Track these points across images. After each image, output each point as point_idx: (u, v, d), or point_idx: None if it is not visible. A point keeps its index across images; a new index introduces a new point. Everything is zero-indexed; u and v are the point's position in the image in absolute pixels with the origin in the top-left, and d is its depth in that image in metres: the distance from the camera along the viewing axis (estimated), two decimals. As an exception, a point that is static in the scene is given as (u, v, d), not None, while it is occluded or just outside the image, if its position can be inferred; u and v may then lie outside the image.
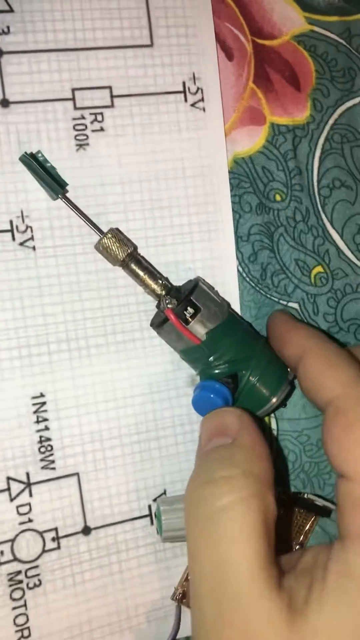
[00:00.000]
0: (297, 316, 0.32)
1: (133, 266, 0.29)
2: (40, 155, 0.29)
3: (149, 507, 0.31)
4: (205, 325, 0.28)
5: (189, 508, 0.23)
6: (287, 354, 0.28)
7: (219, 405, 0.27)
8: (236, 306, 0.32)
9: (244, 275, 0.32)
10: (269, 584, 0.21)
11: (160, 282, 0.29)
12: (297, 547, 0.31)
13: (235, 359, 0.28)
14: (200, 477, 0.23)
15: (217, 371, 0.28)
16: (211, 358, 0.28)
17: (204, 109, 0.31)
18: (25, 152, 0.28)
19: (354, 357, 0.26)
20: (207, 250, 0.32)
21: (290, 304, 0.32)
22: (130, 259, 0.28)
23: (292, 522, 0.31)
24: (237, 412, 0.25)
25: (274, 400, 0.29)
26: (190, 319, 0.27)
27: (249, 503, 0.22)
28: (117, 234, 0.28)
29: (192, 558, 0.23)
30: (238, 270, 0.32)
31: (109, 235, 0.28)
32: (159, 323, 0.29)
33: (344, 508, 0.23)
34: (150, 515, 0.31)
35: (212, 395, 0.27)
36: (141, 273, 0.29)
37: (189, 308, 0.28)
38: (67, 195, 0.29)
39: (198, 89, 0.31)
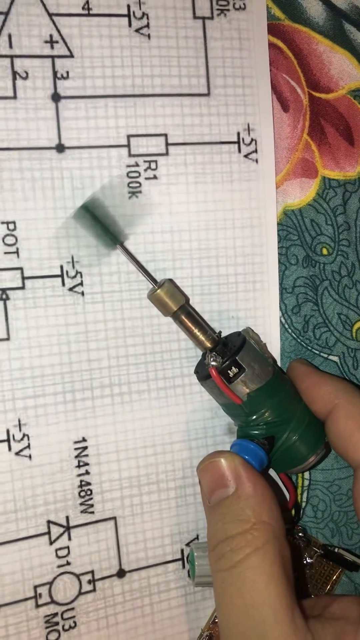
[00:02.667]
0: (337, 370, 0.33)
1: (183, 318, 0.29)
2: (96, 199, 0.29)
3: (182, 551, 0.31)
4: (247, 386, 0.28)
5: (213, 564, 0.25)
6: (315, 409, 0.29)
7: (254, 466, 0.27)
8: (277, 357, 0.32)
9: (287, 326, 0.32)
10: (293, 625, 0.23)
11: (208, 334, 0.29)
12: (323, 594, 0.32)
13: (275, 421, 0.28)
14: (217, 535, 0.25)
15: (255, 432, 0.28)
16: (251, 418, 0.28)
17: (256, 161, 0.31)
18: (84, 205, 0.28)
19: None
20: (251, 300, 0.32)
21: (330, 357, 0.33)
22: (182, 311, 0.29)
23: (319, 571, 0.32)
24: (231, 462, 0.26)
25: (311, 459, 0.29)
26: (233, 378, 0.28)
27: (264, 551, 0.24)
28: (170, 285, 0.29)
29: (220, 606, 0.25)
30: (281, 322, 0.32)
31: (164, 287, 0.28)
32: (203, 376, 0.29)
33: None
34: (182, 559, 0.31)
35: (246, 457, 0.27)
36: (191, 325, 0.29)
37: (233, 367, 0.28)
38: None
39: (252, 140, 0.31)
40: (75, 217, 0.28)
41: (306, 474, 0.33)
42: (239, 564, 0.24)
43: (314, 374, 0.30)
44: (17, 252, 0.28)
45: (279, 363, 0.32)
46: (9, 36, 0.28)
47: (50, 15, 0.28)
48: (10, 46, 0.28)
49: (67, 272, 0.29)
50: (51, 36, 0.28)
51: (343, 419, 0.27)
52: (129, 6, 0.29)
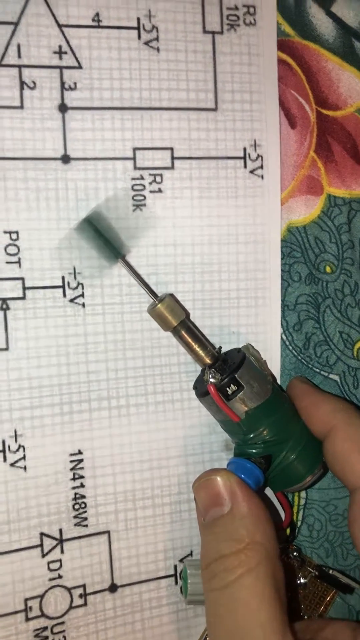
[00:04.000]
0: (338, 389, 0.33)
1: (183, 333, 0.29)
2: (99, 212, 0.29)
3: (175, 567, 0.31)
4: (246, 404, 0.28)
5: (205, 583, 0.25)
6: (313, 429, 0.29)
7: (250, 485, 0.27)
8: (277, 374, 0.32)
9: (287, 343, 0.32)
10: None
11: (208, 350, 0.29)
12: (316, 616, 0.32)
13: (273, 440, 0.28)
14: (210, 554, 0.25)
15: (252, 450, 0.28)
16: (248, 436, 0.28)
17: (262, 177, 0.31)
18: (86, 218, 0.28)
19: None
20: (252, 316, 0.32)
21: (331, 376, 0.32)
22: (182, 326, 0.29)
23: (313, 591, 0.32)
24: (226, 480, 0.26)
25: (308, 479, 0.29)
26: (231, 396, 0.28)
27: (257, 572, 0.23)
28: (171, 301, 0.28)
29: (211, 626, 0.25)
30: (282, 338, 0.32)
31: (164, 302, 0.28)
32: (201, 392, 0.29)
33: None
34: (175, 575, 0.31)
35: (242, 476, 0.27)
36: (191, 341, 0.29)
37: (231, 385, 0.28)
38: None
39: (258, 156, 0.31)
40: (78, 229, 0.28)
41: (302, 493, 0.33)
42: (231, 584, 0.24)
43: (313, 393, 0.30)
44: (19, 262, 0.28)
45: (278, 380, 0.32)
46: (18, 46, 0.28)
47: (59, 26, 0.28)
48: (19, 56, 0.28)
49: (68, 283, 0.29)
50: (60, 47, 0.28)
51: (340, 440, 0.27)
52: (138, 19, 0.29)
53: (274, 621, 0.23)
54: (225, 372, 0.28)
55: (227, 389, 0.27)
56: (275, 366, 0.32)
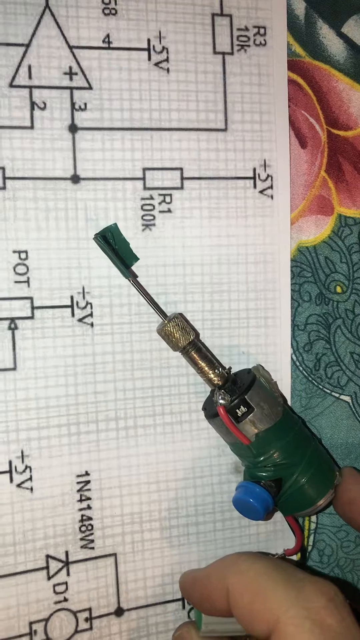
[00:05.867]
0: (349, 410, 0.32)
1: (193, 354, 0.28)
2: (114, 227, 0.29)
3: (182, 591, 0.30)
4: (256, 426, 0.27)
5: None
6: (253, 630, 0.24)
7: (258, 510, 0.27)
8: (287, 395, 0.31)
9: (298, 364, 0.32)
10: None
11: (218, 371, 0.28)
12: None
13: (283, 463, 0.27)
14: None
15: (262, 473, 0.28)
16: (258, 459, 0.28)
17: (272, 197, 0.31)
18: (98, 235, 0.28)
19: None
20: (262, 337, 0.31)
21: (342, 397, 0.32)
22: (192, 346, 0.28)
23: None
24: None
25: (320, 503, 0.28)
26: (241, 418, 0.27)
27: None
28: (181, 320, 0.28)
29: None
30: (292, 359, 0.31)
31: (173, 322, 0.28)
32: (211, 414, 0.29)
33: None
34: (182, 599, 0.30)
35: (251, 500, 0.27)
36: (200, 361, 0.28)
37: (241, 406, 0.27)
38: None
39: (268, 176, 0.31)
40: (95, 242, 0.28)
41: (313, 517, 0.32)
42: None
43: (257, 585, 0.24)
44: (27, 282, 0.28)
45: (289, 401, 0.31)
46: (29, 67, 0.28)
47: (70, 47, 0.28)
48: (30, 77, 0.28)
49: (77, 302, 0.29)
50: (70, 68, 0.28)
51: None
52: (149, 40, 0.29)
53: None
54: (235, 393, 0.28)
55: (237, 410, 0.27)
56: (285, 387, 0.31)
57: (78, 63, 0.29)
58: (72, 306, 0.29)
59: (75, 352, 0.29)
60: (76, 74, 0.29)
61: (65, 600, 0.29)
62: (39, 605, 0.28)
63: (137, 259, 0.29)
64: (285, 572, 0.23)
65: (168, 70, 0.30)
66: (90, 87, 0.29)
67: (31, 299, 0.28)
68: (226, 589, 0.24)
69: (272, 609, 0.22)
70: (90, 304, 0.29)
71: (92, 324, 0.29)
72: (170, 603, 0.30)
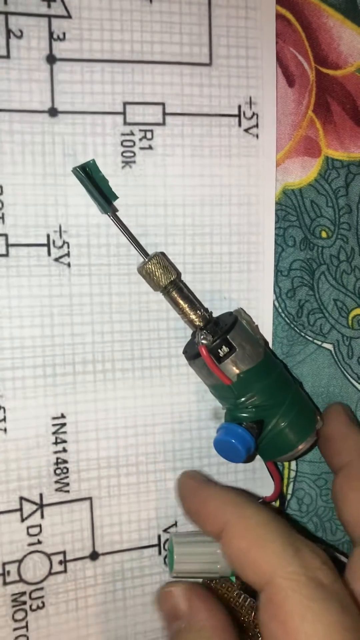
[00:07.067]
0: (331, 358, 0.32)
1: (174, 294, 0.28)
2: (92, 163, 0.28)
3: (159, 537, 0.30)
4: (237, 366, 0.27)
5: None
6: (206, 530, 0.26)
7: (239, 451, 0.26)
8: (269, 342, 0.31)
9: (280, 310, 0.31)
10: None
11: (200, 312, 0.28)
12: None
13: (265, 405, 0.27)
14: None
15: (243, 414, 0.27)
16: (240, 400, 0.27)
17: (257, 136, 0.30)
18: (78, 167, 0.27)
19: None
20: (244, 282, 0.31)
21: (324, 345, 0.31)
22: (173, 286, 0.28)
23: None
24: (183, 592, 0.25)
25: (300, 447, 0.28)
26: (223, 358, 0.27)
27: None
28: (162, 259, 0.27)
29: None
30: (274, 305, 0.31)
31: (154, 260, 0.27)
32: (192, 355, 0.28)
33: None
34: (159, 545, 0.30)
35: (233, 441, 0.26)
36: (182, 302, 0.28)
37: (223, 346, 0.27)
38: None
39: (254, 114, 0.30)
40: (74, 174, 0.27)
41: (293, 465, 0.32)
42: None
43: (201, 489, 0.27)
44: (2, 218, 0.27)
45: (271, 347, 0.31)
46: (5, -8, 0.27)
47: (48, -28, 0.27)
48: (5, 2, 0.27)
49: (53, 241, 0.28)
50: (49, -6, 0.27)
51: (236, 538, 0.24)
52: (131, -33, 0.28)
53: None
54: (217, 333, 0.27)
55: (219, 350, 0.27)
56: (267, 333, 0.31)
57: (56, -11, 0.27)
58: (48, 245, 0.28)
59: (51, 292, 0.28)
60: (54, 0, 0.27)
61: (39, 542, 0.28)
62: (12, 547, 0.28)
63: (116, 197, 0.28)
64: (285, 529, 0.24)
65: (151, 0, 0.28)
66: (69, 16, 0.28)
67: (6, 236, 0.27)
68: (223, 523, 0.24)
69: (270, 562, 0.22)
70: (68, 243, 0.28)
71: (69, 264, 0.28)
72: (146, 549, 0.30)
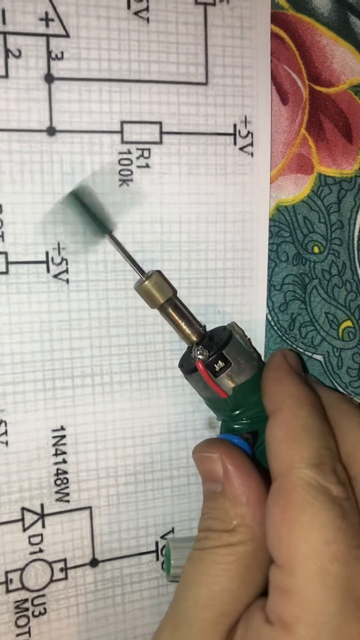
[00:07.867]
0: (321, 368, 0.33)
1: (170, 311, 0.28)
2: (85, 187, 0.28)
3: (156, 543, 0.31)
4: (233, 380, 0.28)
5: (195, 542, 0.25)
6: (265, 405, 0.27)
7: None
8: (261, 354, 0.32)
9: (272, 324, 0.32)
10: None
11: (195, 328, 0.29)
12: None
13: (259, 416, 0.28)
14: (202, 523, 0.26)
15: (239, 426, 0.28)
16: (235, 412, 0.28)
17: (252, 154, 0.30)
18: (73, 192, 0.27)
19: (325, 425, 0.25)
20: (238, 296, 0.31)
21: (315, 356, 0.32)
22: (169, 304, 0.28)
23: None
24: (221, 458, 0.26)
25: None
26: (219, 372, 0.28)
27: (236, 550, 0.24)
28: (159, 277, 0.28)
29: (179, 586, 0.25)
30: (267, 319, 0.32)
31: (152, 279, 0.28)
32: (188, 370, 0.29)
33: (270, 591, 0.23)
34: (156, 551, 0.31)
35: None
36: (177, 319, 0.29)
37: (219, 361, 0.28)
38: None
39: (248, 132, 0.30)
40: (65, 203, 0.28)
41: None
42: (208, 550, 0.24)
43: (280, 369, 0.28)
44: (2, 236, 0.28)
45: (263, 360, 0.32)
46: (3, 11, 0.27)
47: (46, -8, 0.27)
48: (4, 22, 0.27)
49: (52, 258, 0.29)
50: (47, 13, 0.27)
51: (276, 426, 0.25)
52: (128, -13, 0.28)
53: (225, 617, 0.23)
54: (213, 349, 0.28)
55: (215, 365, 0.27)
56: (259, 346, 0.32)
57: (54, 8, 0.28)
58: (47, 262, 0.29)
59: (50, 308, 0.29)
60: (53, 20, 0.28)
61: (41, 551, 0.29)
62: (14, 556, 0.29)
63: (111, 223, 0.29)
64: (324, 444, 0.24)
65: (148, 20, 0.29)
66: (67, 35, 0.28)
67: (5, 253, 0.28)
68: (276, 407, 0.26)
69: (293, 459, 0.23)
70: (66, 259, 0.29)
71: (67, 281, 0.29)
72: (144, 555, 0.31)
